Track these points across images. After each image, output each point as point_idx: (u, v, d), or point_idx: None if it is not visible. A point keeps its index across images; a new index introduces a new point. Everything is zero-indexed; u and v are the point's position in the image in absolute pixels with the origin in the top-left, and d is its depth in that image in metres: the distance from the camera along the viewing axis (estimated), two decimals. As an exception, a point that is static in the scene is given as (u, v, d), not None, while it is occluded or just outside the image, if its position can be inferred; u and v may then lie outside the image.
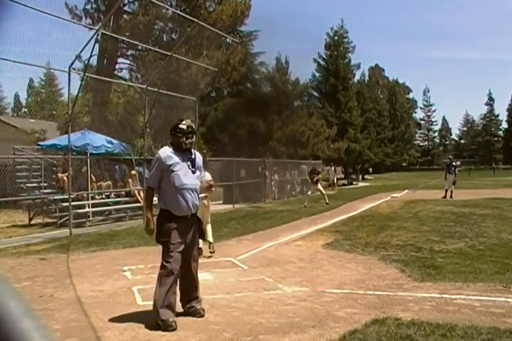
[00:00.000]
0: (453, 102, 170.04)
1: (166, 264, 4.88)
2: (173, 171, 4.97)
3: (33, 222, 14.87)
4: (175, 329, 4.68)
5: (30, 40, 11.50)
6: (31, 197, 14.83)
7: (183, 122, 5.11)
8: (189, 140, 5.06)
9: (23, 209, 15.97)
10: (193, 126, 5.23)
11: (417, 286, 6.27)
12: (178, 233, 4.90)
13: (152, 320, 4.76)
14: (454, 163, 23.08)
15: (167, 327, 4.67)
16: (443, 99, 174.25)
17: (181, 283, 5.10)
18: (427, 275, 6.77)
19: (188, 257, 5.04)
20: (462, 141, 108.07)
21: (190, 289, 5.17)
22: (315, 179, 20.23)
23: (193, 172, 5.10)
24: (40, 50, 11.94)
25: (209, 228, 8.90)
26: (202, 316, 5.01)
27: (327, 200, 19.98)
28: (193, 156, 5.15)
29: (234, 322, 4.95)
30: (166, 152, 5.06)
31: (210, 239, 8.90)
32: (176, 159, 5.00)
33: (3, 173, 13.43)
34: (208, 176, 7.62)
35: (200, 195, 8.55)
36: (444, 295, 5.75)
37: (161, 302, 4.80)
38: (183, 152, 5.07)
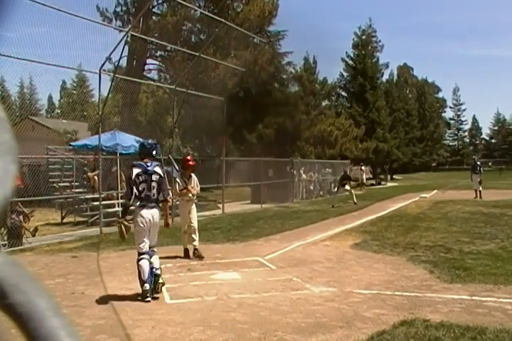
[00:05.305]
0: (484, 101, 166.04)
1: None
2: None
3: (65, 220, 15.22)
4: None
5: (63, 43, 11.79)
6: (63, 196, 15.16)
7: None
8: None
9: (55, 208, 16.34)
10: None
11: (446, 288, 6.20)
12: None
13: None
14: (478, 163, 23.22)
15: None
16: (473, 98, 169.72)
17: None
18: (457, 277, 6.68)
19: None
20: (493, 141, 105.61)
21: None
22: (344, 182, 20.39)
23: None
24: (72, 53, 12.22)
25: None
26: None
27: (355, 200, 19.90)
28: None
29: (261, 321, 4.99)
30: None
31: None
32: None
33: (37, 173, 13.79)
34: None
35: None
36: (474, 297, 5.67)
37: None
38: None
